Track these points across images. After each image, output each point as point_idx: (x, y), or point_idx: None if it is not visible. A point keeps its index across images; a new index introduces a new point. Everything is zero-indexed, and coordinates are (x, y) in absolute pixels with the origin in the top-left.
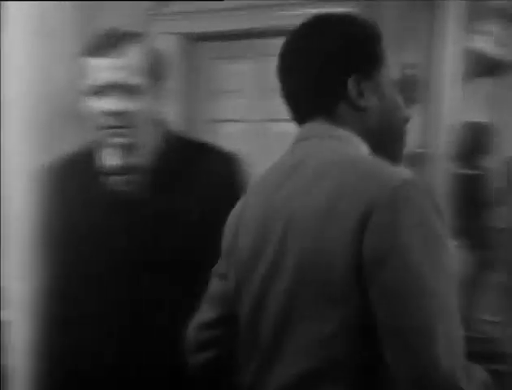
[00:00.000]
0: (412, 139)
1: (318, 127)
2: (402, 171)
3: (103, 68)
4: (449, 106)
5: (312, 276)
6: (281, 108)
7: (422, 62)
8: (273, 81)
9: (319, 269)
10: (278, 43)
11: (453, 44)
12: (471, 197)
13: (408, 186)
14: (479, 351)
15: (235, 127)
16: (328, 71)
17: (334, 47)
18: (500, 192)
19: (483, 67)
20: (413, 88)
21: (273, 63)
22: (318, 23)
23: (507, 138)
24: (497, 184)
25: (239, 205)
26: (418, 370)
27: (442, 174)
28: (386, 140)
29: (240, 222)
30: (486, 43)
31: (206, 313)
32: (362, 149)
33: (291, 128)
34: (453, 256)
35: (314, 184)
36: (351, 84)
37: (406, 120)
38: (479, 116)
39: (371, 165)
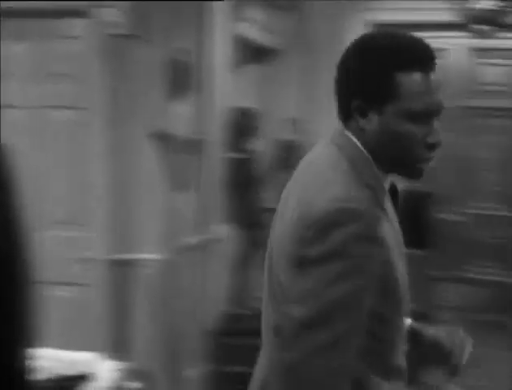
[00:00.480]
0: (186, 125)
1: (335, 131)
2: (340, 197)
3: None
4: (221, 93)
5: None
6: (58, 93)
7: (193, 49)
8: (49, 65)
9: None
10: (55, 25)
11: (222, 31)
12: (241, 180)
13: (338, 213)
14: (252, 327)
15: (8, 114)
16: (341, 90)
17: (346, 71)
18: (266, 174)
19: (251, 54)
20: (185, 76)
21: (50, 46)
22: (354, 45)
23: (273, 122)
24: (264, 167)
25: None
26: None
27: (216, 159)
28: (392, 160)
29: None
30: (253, 30)
31: None
32: (351, 158)
33: (67, 115)
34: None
35: (293, 204)
36: (354, 105)
37: (429, 147)
38: (248, 101)
39: (325, 183)
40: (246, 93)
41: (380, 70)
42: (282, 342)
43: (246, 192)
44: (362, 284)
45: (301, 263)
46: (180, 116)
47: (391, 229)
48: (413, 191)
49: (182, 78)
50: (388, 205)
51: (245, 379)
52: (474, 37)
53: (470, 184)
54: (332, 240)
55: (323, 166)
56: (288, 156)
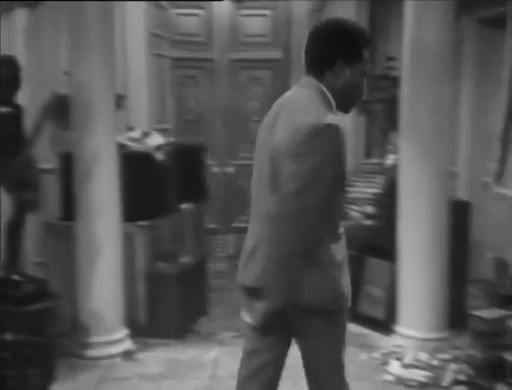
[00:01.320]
0: None
1: (307, 79)
2: (318, 118)
3: None
4: None
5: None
6: None
7: None
8: None
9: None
10: None
11: None
12: (5, 137)
13: (322, 126)
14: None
15: None
16: (330, 53)
17: (337, 42)
18: (36, 131)
19: None
20: None
21: None
22: (331, 25)
23: (45, 73)
24: (35, 122)
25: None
26: None
27: None
28: (344, 99)
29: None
30: None
31: None
32: (322, 97)
33: None
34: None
35: (284, 130)
36: (339, 63)
37: (362, 94)
38: (15, 50)
39: (313, 112)
40: (14, 41)
41: (355, 41)
42: (280, 205)
43: (13, 151)
44: (330, 169)
45: (296, 156)
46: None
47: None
48: (185, 144)
49: None
50: None
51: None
52: None
53: (239, 135)
54: (315, 141)
55: (304, 101)
56: (61, 110)
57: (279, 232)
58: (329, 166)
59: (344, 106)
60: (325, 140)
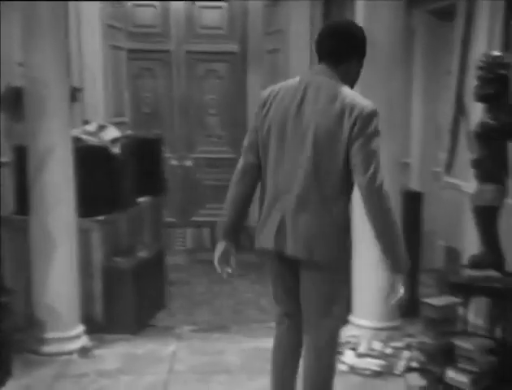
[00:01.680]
0: None
1: (325, 68)
2: (368, 103)
3: None
4: None
5: (326, 153)
6: None
7: None
8: None
9: (331, 150)
10: None
11: None
12: None
13: (369, 111)
14: None
15: None
16: (349, 50)
17: (356, 42)
18: None
19: None
20: None
21: None
22: (351, 27)
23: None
24: None
25: (268, 94)
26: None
27: None
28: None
29: (269, 110)
30: None
31: (248, 156)
32: (345, 87)
33: None
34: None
35: (329, 106)
36: (354, 59)
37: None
38: None
39: (356, 97)
40: None
41: (365, 44)
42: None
43: None
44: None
45: (367, 137)
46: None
47: None
48: (142, 137)
49: None
50: None
51: None
52: None
53: (197, 128)
54: (375, 123)
55: (337, 86)
56: (15, 103)
57: (385, 212)
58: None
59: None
60: (378, 121)
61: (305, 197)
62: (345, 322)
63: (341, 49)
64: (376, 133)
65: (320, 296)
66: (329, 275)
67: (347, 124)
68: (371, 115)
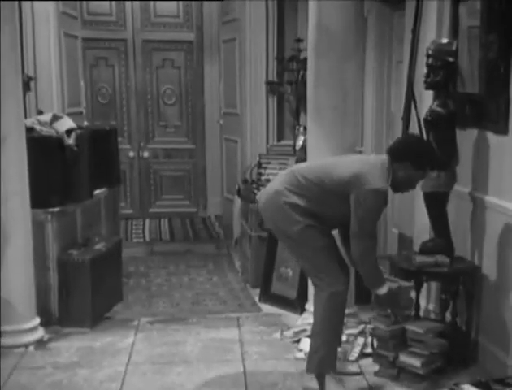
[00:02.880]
0: None
1: (386, 159)
2: (379, 183)
3: None
4: None
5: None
6: None
7: None
8: None
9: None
10: None
11: None
12: None
13: (373, 189)
14: None
15: None
16: (406, 156)
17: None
18: None
19: None
20: None
21: None
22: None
23: None
24: None
25: None
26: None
27: None
28: (397, 187)
29: None
30: None
31: None
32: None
33: None
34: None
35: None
36: (404, 163)
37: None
38: None
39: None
40: None
41: (424, 159)
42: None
43: None
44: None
45: (357, 206)
46: None
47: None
48: (97, 129)
49: None
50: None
51: None
52: None
53: (153, 118)
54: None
55: (375, 165)
56: None
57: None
58: (379, 213)
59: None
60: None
61: None
62: None
63: (399, 151)
64: (374, 208)
65: None
66: None
67: None
68: (373, 196)
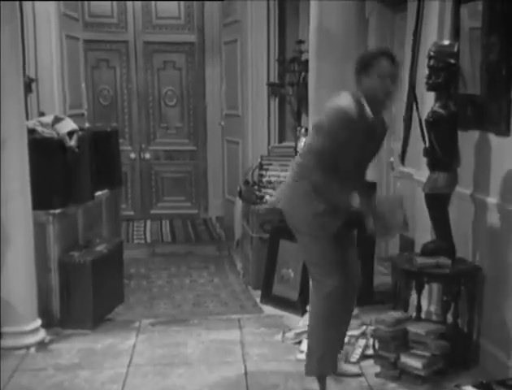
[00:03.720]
0: None
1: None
2: (339, 101)
3: None
4: None
5: None
6: None
7: None
8: None
9: None
10: None
11: None
12: None
13: (334, 106)
14: None
15: None
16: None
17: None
18: None
19: None
20: None
21: None
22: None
23: None
24: None
25: None
26: None
27: None
28: (373, 99)
29: None
30: None
31: None
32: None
33: None
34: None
35: None
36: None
37: (388, 94)
38: None
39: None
40: None
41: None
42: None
43: None
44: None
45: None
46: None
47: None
48: (98, 130)
49: None
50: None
51: None
52: None
53: (154, 120)
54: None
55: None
56: None
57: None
58: (339, 133)
59: (374, 104)
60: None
61: None
62: None
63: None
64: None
65: None
66: None
67: None
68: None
